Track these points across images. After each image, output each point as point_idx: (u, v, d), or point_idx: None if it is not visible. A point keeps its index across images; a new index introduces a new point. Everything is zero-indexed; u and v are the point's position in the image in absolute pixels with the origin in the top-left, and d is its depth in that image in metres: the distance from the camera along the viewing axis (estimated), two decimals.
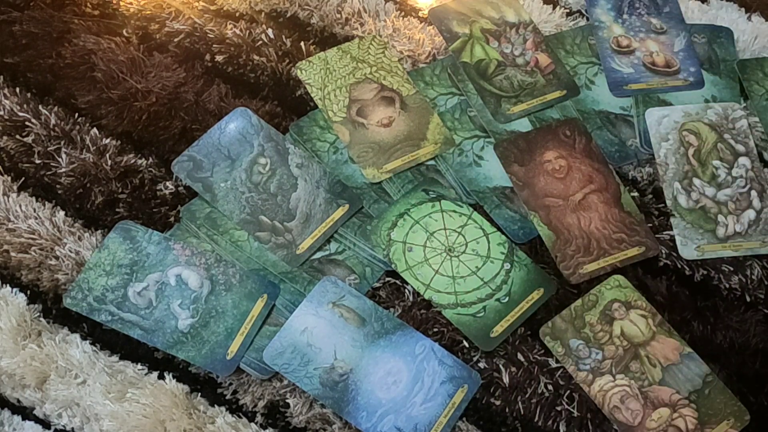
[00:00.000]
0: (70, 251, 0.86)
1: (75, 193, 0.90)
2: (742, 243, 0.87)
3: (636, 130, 0.94)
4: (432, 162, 0.92)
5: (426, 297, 0.84)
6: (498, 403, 0.79)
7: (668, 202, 0.89)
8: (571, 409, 0.79)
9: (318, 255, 0.87)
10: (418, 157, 0.92)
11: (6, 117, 0.94)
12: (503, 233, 0.88)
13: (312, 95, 0.96)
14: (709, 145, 0.92)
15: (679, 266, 0.86)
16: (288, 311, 0.83)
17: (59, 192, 0.90)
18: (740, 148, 0.92)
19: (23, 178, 0.91)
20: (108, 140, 0.93)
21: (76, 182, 0.91)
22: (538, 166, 0.91)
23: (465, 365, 0.80)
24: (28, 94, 0.97)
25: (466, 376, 0.80)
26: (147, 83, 0.97)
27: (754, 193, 0.90)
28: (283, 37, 1.01)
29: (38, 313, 0.84)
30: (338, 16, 1.03)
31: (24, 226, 0.87)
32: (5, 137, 0.94)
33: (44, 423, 0.80)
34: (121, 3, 1.04)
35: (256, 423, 0.79)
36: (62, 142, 0.93)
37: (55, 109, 0.95)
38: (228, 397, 0.80)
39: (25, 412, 0.80)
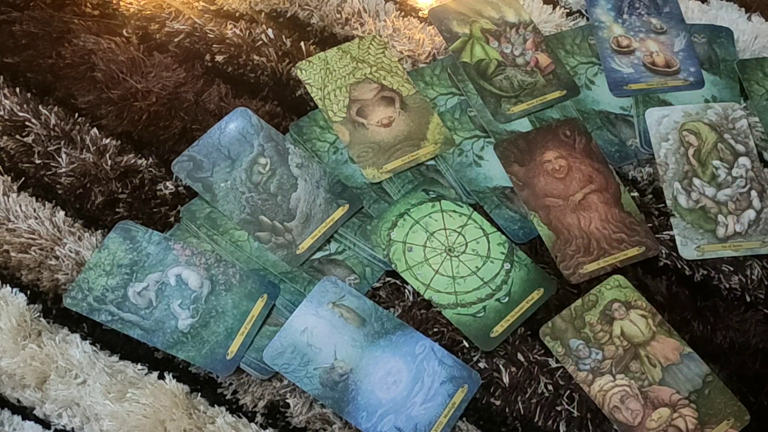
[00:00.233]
0: (70, 251, 0.86)
1: (75, 193, 0.90)
2: (742, 243, 0.87)
3: (636, 130, 0.94)
4: (432, 162, 0.92)
5: (426, 297, 0.84)
6: (498, 403, 0.79)
7: (668, 202, 0.89)
8: (571, 409, 0.79)
9: (318, 255, 0.87)
10: (418, 157, 0.92)
11: (6, 117, 0.94)
12: (503, 233, 0.88)
13: (312, 95, 0.96)
14: (709, 145, 0.92)
15: (679, 266, 0.86)
16: (288, 311, 0.83)
17: (59, 192, 0.90)
18: (740, 148, 0.92)
19: (23, 178, 0.91)
20: (108, 140, 0.93)
21: (76, 182, 0.91)
22: (538, 166, 0.91)
23: (465, 365, 0.80)
24: (28, 94, 0.97)
25: (466, 376, 0.80)
26: (147, 83, 0.97)
27: (754, 193, 0.90)
28: (283, 37, 1.01)
29: (38, 313, 0.84)
30: (338, 16, 1.03)
31: (24, 226, 0.87)
32: (5, 137, 0.94)
33: (44, 423, 0.80)
34: (121, 3, 1.04)
35: (256, 423, 0.79)
36: (62, 142, 0.93)
37: (55, 109, 0.95)
38: (228, 397, 0.80)
39: (25, 412, 0.80)
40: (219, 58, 1.00)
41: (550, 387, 0.80)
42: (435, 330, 0.82)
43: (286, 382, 0.80)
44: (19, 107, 0.95)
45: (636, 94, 0.96)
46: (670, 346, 0.81)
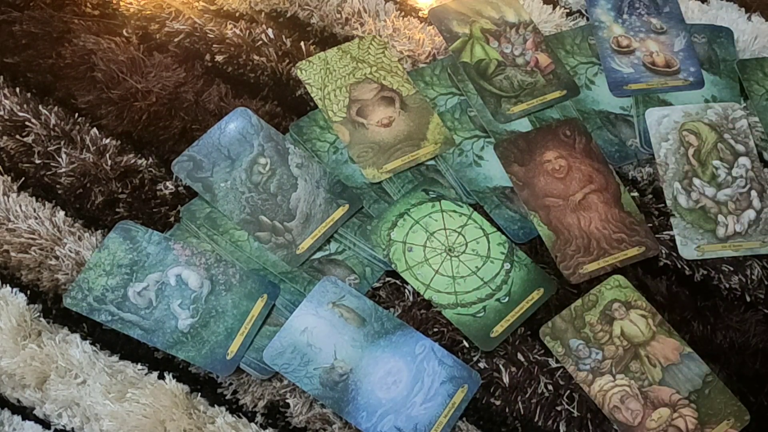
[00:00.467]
0: (70, 251, 0.86)
1: (75, 193, 0.90)
2: (742, 243, 0.87)
3: (636, 130, 0.94)
4: (432, 162, 0.92)
5: (426, 297, 0.84)
6: (498, 403, 0.79)
7: (668, 202, 0.89)
8: (571, 409, 0.79)
9: (318, 255, 0.87)
10: (418, 157, 0.92)
11: (6, 117, 0.94)
12: (503, 233, 0.88)
13: (312, 95, 0.96)
14: (709, 145, 0.92)
15: (679, 266, 0.86)
16: (288, 311, 0.83)
17: (59, 192, 0.90)
18: (740, 148, 0.92)
19: (23, 178, 0.91)
20: (108, 140, 0.93)
21: (76, 182, 0.91)
22: (538, 166, 0.91)
23: (465, 365, 0.80)
24: (28, 94, 0.97)
25: (466, 376, 0.80)
26: (147, 83, 0.97)
27: (754, 193, 0.90)
28: (283, 37, 1.01)
29: (38, 313, 0.84)
30: (338, 16, 1.03)
31: (24, 226, 0.87)
32: (5, 137, 0.94)
33: (44, 423, 0.80)
34: (121, 3, 1.04)
35: (256, 423, 0.79)
36: (62, 142, 0.93)
37: (55, 109, 0.95)
38: (228, 397, 0.80)
39: (25, 412, 0.80)
40: (219, 58, 1.00)
41: (550, 387, 0.80)
42: (435, 330, 0.82)
43: (286, 382, 0.80)
44: (19, 107, 0.95)
45: (636, 94, 0.96)
46: (670, 346, 0.81)
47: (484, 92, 0.96)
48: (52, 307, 0.84)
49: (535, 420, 0.78)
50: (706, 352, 0.81)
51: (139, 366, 0.81)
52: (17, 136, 0.94)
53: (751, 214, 0.88)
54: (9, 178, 0.91)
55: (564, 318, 0.82)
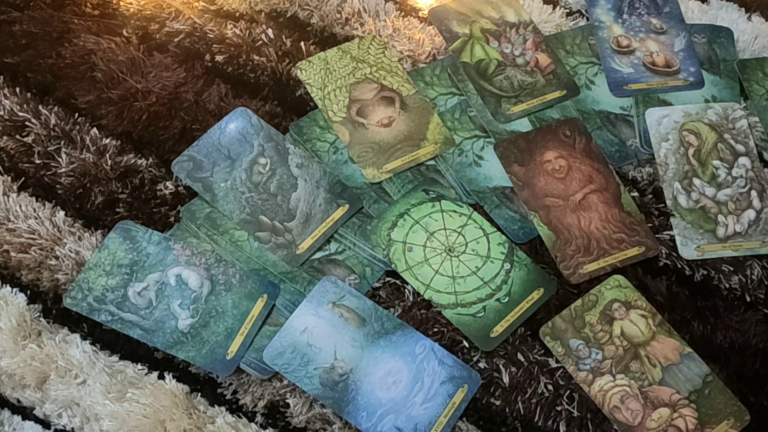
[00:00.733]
0: (70, 251, 0.86)
1: (75, 193, 0.90)
2: (742, 243, 0.87)
3: (636, 130, 0.94)
4: (432, 162, 0.92)
5: (426, 297, 0.84)
6: (498, 403, 0.79)
7: (668, 202, 0.89)
8: (571, 409, 0.79)
9: (318, 255, 0.87)
10: (418, 157, 0.92)
11: (6, 117, 0.94)
12: (503, 233, 0.88)
13: (312, 95, 0.96)
14: (709, 145, 0.92)
15: (679, 266, 0.86)
16: (288, 311, 0.83)
17: (59, 192, 0.90)
18: (740, 148, 0.92)
19: (23, 178, 0.91)
20: (108, 140, 0.93)
21: (76, 182, 0.91)
22: (538, 166, 0.91)
23: (465, 365, 0.80)
24: (28, 94, 0.97)
25: (466, 376, 0.80)
26: (147, 83, 0.97)
27: (754, 193, 0.90)
28: (283, 37, 1.01)
29: (38, 313, 0.84)
30: (338, 16, 1.03)
31: (24, 226, 0.87)
32: (5, 137, 0.94)
33: (44, 423, 0.80)
34: (121, 3, 1.04)
35: (256, 423, 0.79)
36: (62, 142, 0.93)
37: (55, 109, 0.95)
38: (228, 397, 0.80)
39: (25, 412, 0.80)
40: (219, 58, 1.00)
41: (550, 387, 0.80)
42: (435, 330, 0.82)
43: (286, 382, 0.80)
44: (19, 107, 0.95)
45: (636, 94, 0.96)
46: (670, 346, 0.81)
47: (484, 92, 0.96)
48: (52, 307, 0.84)
49: (535, 420, 0.78)
50: (706, 352, 0.81)
51: (139, 366, 0.81)
52: (17, 136, 0.94)
53: (751, 214, 0.88)
54: (9, 178, 0.91)
55: (564, 318, 0.82)
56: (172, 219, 0.89)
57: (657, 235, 0.88)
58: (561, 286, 0.85)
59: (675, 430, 0.77)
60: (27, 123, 0.94)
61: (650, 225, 0.88)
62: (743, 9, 1.05)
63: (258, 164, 0.90)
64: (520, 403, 0.79)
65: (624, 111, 0.96)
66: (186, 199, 0.90)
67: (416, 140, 0.93)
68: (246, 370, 0.81)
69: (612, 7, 1.03)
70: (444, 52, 1.00)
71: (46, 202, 0.89)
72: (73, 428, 0.79)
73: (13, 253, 0.86)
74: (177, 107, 0.96)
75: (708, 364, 0.80)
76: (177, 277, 0.83)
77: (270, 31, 1.01)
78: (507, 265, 0.85)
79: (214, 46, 1.00)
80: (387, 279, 0.86)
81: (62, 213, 0.88)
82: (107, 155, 0.92)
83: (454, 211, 0.88)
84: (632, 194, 0.90)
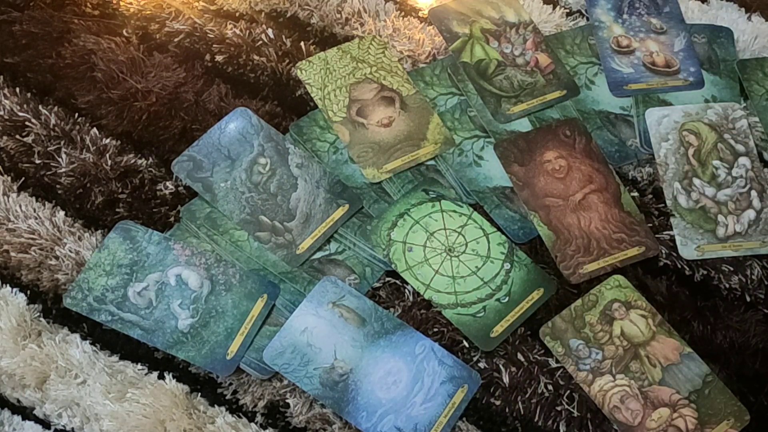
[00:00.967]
0: (70, 251, 0.86)
1: (75, 193, 0.90)
2: (742, 243, 0.87)
3: (636, 130, 0.94)
4: (432, 162, 0.92)
5: (426, 297, 0.84)
6: (498, 403, 0.79)
7: (668, 202, 0.89)
8: (571, 409, 0.79)
9: (318, 255, 0.87)
10: (418, 157, 0.92)
11: (6, 117, 0.94)
12: (503, 233, 0.88)
13: (312, 95, 0.96)
14: (709, 145, 0.92)
15: (679, 266, 0.86)
16: (288, 311, 0.83)
17: (59, 192, 0.90)
18: (740, 148, 0.92)
19: (23, 178, 0.91)
20: (108, 140, 0.93)
21: (76, 182, 0.91)
22: (538, 166, 0.91)
23: (465, 365, 0.80)
24: (28, 94, 0.97)
25: (466, 376, 0.80)
26: (147, 83, 0.97)
27: (754, 193, 0.90)
28: (283, 37, 1.01)
29: (38, 313, 0.84)
30: (338, 16, 1.03)
31: (24, 226, 0.87)
32: (5, 137, 0.94)
33: (44, 423, 0.80)
34: (121, 3, 1.04)
35: (256, 423, 0.79)
36: (62, 142, 0.93)
37: (55, 109, 0.95)
38: (228, 397, 0.80)
39: (25, 412, 0.80)
40: (219, 58, 1.00)
41: (550, 387, 0.80)
42: (435, 330, 0.82)
43: (286, 382, 0.80)
44: (19, 107, 0.95)
45: (636, 94, 0.96)
46: (670, 346, 0.81)
47: (484, 92, 0.96)
48: (52, 307, 0.84)
49: (535, 420, 0.78)
50: (706, 352, 0.81)
51: (139, 366, 0.81)
52: (17, 136, 0.94)
53: (751, 214, 0.88)
54: (9, 178, 0.91)
55: (564, 318, 0.82)
56: (172, 219, 0.89)
57: (657, 235, 0.88)
58: (561, 286, 0.85)
59: (675, 430, 0.77)
60: (27, 123, 0.94)
61: (650, 225, 0.88)
62: (743, 9, 1.05)
63: (258, 164, 0.90)
64: (520, 403, 0.79)
65: (624, 111, 0.96)
66: (186, 199, 0.90)
67: (416, 140, 0.93)
68: (246, 370, 0.81)
69: (612, 7, 1.03)
70: (444, 52, 1.00)
71: (46, 202, 0.89)
72: (73, 428, 0.79)
73: (13, 253, 0.86)
74: (177, 107, 0.96)
75: (708, 364, 0.80)
76: (177, 277, 0.83)
77: (270, 31, 1.01)
78: (507, 265, 0.86)
79: (214, 46, 1.00)
80: (387, 279, 0.86)
81: (62, 213, 0.88)
82: (107, 155, 0.92)
83: (454, 211, 0.88)
84: (632, 194, 0.90)
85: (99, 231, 0.87)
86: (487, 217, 0.89)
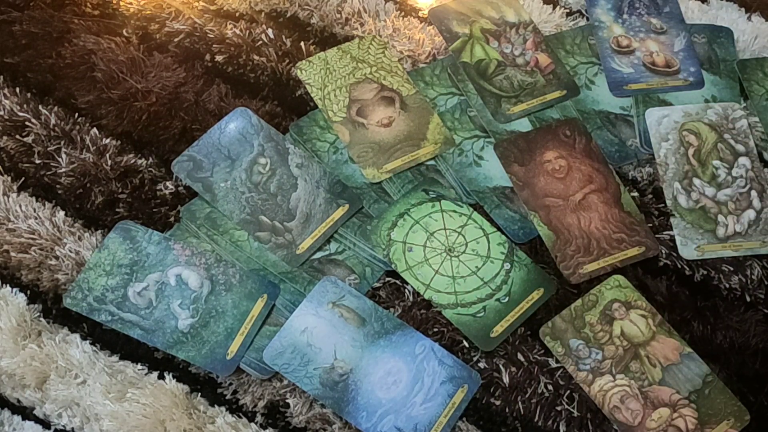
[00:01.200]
0: (70, 251, 0.86)
1: (75, 193, 0.90)
2: (742, 243, 0.87)
3: (636, 130, 0.94)
4: (432, 162, 0.92)
5: (426, 297, 0.84)
6: (498, 403, 0.79)
7: (668, 202, 0.89)
8: (571, 409, 0.79)
9: (318, 255, 0.87)
10: (418, 157, 0.92)
11: (6, 117, 0.94)
12: (503, 233, 0.88)
13: (312, 95, 0.96)
14: (709, 145, 0.92)
15: (679, 266, 0.86)
16: (288, 311, 0.83)
17: (59, 192, 0.90)
18: (740, 148, 0.92)
19: (23, 178, 0.91)
20: (108, 140, 0.93)
21: (76, 182, 0.91)
22: (538, 166, 0.91)
23: (465, 365, 0.80)
24: (28, 94, 0.97)
25: (466, 376, 0.80)
26: (147, 83, 0.97)
27: (754, 193, 0.90)
28: (283, 37, 1.01)
29: (38, 313, 0.84)
30: (338, 16, 1.03)
31: (24, 226, 0.87)
32: (5, 137, 0.94)
33: (44, 423, 0.80)
34: (121, 3, 1.04)
35: (256, 423, 0.79)
36: (62, 142, 0.93)
37: (55, 109, 0.95)
38: (228, 397, 0.80)
39: (25, 412, 0.80)
40: (219, 58, 1.00)
41: (550, 387, 0.80)
42: (435, 330, 0.82)
43: (286, 382, 0.80)
44: (19, 107, 0.95)
45: (636, 94, 0.96)
46: (670, 346, 0.81)
47: (484, 92, 0.96)
48: (52, 307, 0.84)
49: (535, 420, 0.78)
50: (706, 352, 0.81)
51: (139, 366, 0.81)
52: (17, 136, 0.94)
53: (751, 214, 0.88)
54: (9, 178, 0.91)
55: (564, 318, 0.82)
56: (172, 219, 0.89)
57: (657, 235, 0.88)
58: (561, 286, 0.85)
59: (675, 430, 0.77)
60: (27, 123, 0.94)
61: (650, 225, 0.88)
62: (743, 9, 1.05)
63: (258, 164, 0.90)
64: (520, 403, 0.79)
65: (624, 111, 0.96)
66: (186, 199, 0.90)
67: (416, 140, 0.93)
68: (246, 370, 0.81)
69: (612, 7, 1.03)
70: (444, 52, 1.00)
71: (46, 202, 0.89)
72: (73, 428, 0.79)
73: (13, 253, 0.86)
74: (177, 107, 0.96)
75: (708, 364, 0.80)
76: (177, 277, 0.83)
77: (270, 31, 1.01)
78: (507, 265, 0.85)
79: (214, 46, 1.00)
80: (387, 279, 0.86)
81: (62, 213, 0.88)
82: (107, 155, 0.92)
83: (454, 211, 0.88)
84: (632, 194, 0.90)
85: (99, 231, 0.87)
86: (487, 217, 0.89)
